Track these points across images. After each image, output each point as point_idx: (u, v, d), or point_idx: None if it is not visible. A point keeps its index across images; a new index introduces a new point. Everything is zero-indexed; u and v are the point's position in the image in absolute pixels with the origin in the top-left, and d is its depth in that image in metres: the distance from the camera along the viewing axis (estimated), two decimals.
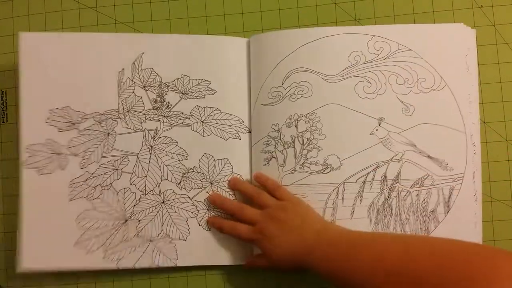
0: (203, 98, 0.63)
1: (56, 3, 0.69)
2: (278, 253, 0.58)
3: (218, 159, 0.63)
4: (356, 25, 0.66)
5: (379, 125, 0.64)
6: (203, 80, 0.63)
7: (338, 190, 0.64)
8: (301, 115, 0.63)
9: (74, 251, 0.64)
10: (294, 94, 0.63)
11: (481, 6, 0.65)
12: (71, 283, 0.65)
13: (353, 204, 0.64)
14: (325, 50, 0.64)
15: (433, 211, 0.64)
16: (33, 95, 0.65)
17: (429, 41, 0.65)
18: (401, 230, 0.63)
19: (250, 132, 0.64)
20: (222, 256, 0.65)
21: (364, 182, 0.64)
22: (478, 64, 0.65)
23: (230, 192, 0.65)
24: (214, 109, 0.62)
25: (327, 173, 0.64)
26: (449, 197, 0.63)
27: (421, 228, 0.63)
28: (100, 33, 0.68)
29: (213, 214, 0.64)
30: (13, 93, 0.67)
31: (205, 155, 0.64)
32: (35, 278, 0.66)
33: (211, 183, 0.62)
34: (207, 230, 0.64)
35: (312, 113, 0.64)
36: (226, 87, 0.65)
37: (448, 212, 0.63)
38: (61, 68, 0.65)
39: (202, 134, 0.62)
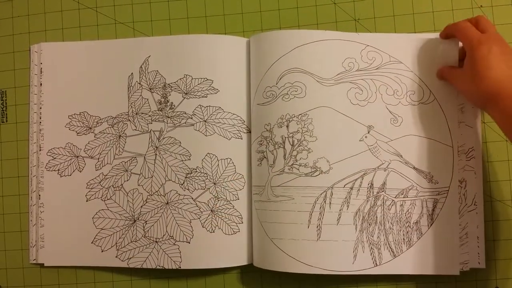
0: (206, 97, 0.67)
1: (56, 3, 0.73)
2: (485, 75, 0.58)
3: (221, 159, 0.64)
4: (355, 25, 0.71)
5: (368, 132, 0.68)
6: (205, 79, 0.65)
7: (326, 195, 0.67)
8: (293, 116, 0.68)
9: (91, 248, 0.71)
10: (287, 94, 0.68)
11: (481, 6, 0.68)
12: (71, 282, 0.67)
13: (340, 210, 0.67)
14: (320, 53, 0.69)
15: (416, 222, 0.67)
16: (55, 102, 0.74)
17: (420, 54, 0.69)
18: (385, 239, 0.67)
19: (250, 131, 0.64)
20: (225, 259, 0.69)
21: (351, 188, 0.68)
22: None
23: (234, 192, 0.70)
24: (217, 108, 0.65)
25: (316, 176, 0.67)
26: (433, 210, 0.68)
27: (404, 239, 0.67)
28: (112, 40, 0.75)
29: (217, 216, 0.69)
30: (13, 93, 0.72)
31: (208, 155, 0.70)
32: (35, 278, 0.66)
33: (214, 184, 0.65)
34: (211, 232, 0.69)
35: (304, 114, 0.68)
36: (228, 86, 0.71)
37: (431, 224, 0.68)
38: (79, 75, 0.74)
39: (205, 133, 0.65)
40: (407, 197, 0.67)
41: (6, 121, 0.74)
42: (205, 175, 0.69)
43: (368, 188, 0.67)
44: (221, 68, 0.70)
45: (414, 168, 0.67)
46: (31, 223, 0.72)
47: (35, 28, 0.75)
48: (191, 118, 0.70)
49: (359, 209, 0.67)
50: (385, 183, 0.67)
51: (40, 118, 0.73)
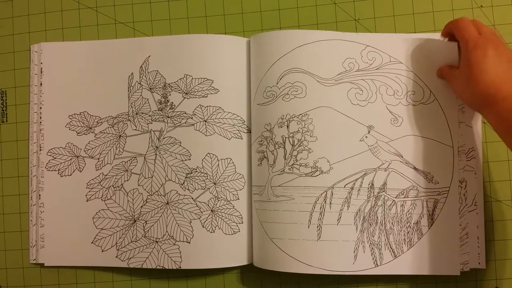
0: (206, 97, 0.68)
1: (56, 3, 0.73)
2: (480, 78, 0.58)
3: (221, 159, 0.65)
4: (355, 25, 0.71)
5: (369, 132, 0.68)
6: (205, 79, 0.65)
7: (326, 195, 0.67)
8: (293, 116, 0.68)
9: (91, 249, 0.71)
10: (287, 94, 0.68)
11: (481, 6, 0.68)
12: (71, 282, 0.67)
13: (340, 210, 0.67)
14: (321, 53, 0.69)
15: (416, 222, 0.67)
16: (55, 102, 0.74)
17: (420, 54, 0.69)
18: (385, 240, 0.67)
19: (250, 131, 0.64)
20: (225, 259, 0.69)
21: (352, 188, 0.68)
22: None
23: (234, 192, 0.69)
24: (217, 108, 0.66)
25: (316, 176, 0.67)
26: (433, 210, 0.68)
27: (404, 239, 0.67)
28: (112, 40, 0.75)
29: (217, 216, 0.69)
30: (13, 93, 0.71)
31: (208, 154, 0.70)
32: (35, 278, 0.66)
33: (214, 184, 0.66)
34: (211, 232, 0.69)
35: (304, 114, 0.67)
36: (228, 86, 0.72)
37: (431, 225, 0.67)
38: (79, 75, 0.74)
39: (205, 133, 0.66)
40: (408, 197, 0.67)
41: (6, 121, 0.75)
42: (205, 175, 0.69)
43: (368, 188, 0.67)
44: (221, 68, 0.70)
45: (414, 168, 0.67)
46: (31, 223, 0.72)
47: (35, 28, 0.76)
48: (191, 118, 0.70)
49: (359, 209, 0.67)
50: (385, 183, 0.67)
51: (40, 118, 0.73)
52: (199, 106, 0.70)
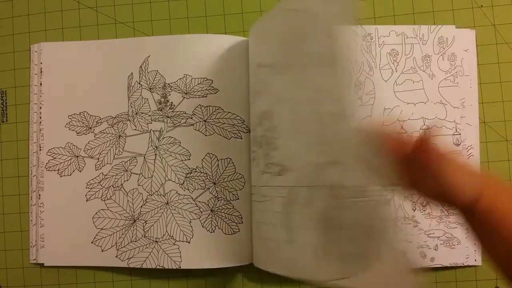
0: (205, 97, 0.68)
1: (56, 3, 0.73)
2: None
3: (221, 159, 0.66)
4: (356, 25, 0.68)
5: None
6: (205, 79, 0.65)
7: (290, 194, 0.57)
8: (263, 113, 0.61)
9: (90, 248, 0.71)
10: (259, 91, 0.63)
11: (481, 6, 0.68)
12: (71, 282, 0.67)
13: (305, 210, 0.55)
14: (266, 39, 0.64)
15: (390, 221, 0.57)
16: (55, 102, 0.74)
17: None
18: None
19: (249, 131, 0.64)
20: (225, 259, 0.69)
21: (317, 187, 0.55)
22: (478, 64, 0.67)
23: (234, 192, 0.70)
24: (216, 108, 0.65)
25: (283, 175, 0.58)
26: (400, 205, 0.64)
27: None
28: (112, 40, 0.75)
29: (217, 216, 0.69)
30: (13, 93, 0.71)
31: (208, 154, 0.70)
32: (35, 278, 0.66)
33: (214, 183, 0.65)
34: (211, 232, 0.69)
35: (269, 111, 0.60)
36: (228, 86, 0.71)
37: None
38: (79, 75, 0.74)
39: (205, 133, 0.65)
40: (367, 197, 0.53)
41: (6, 121, 0.75)
42: (205, 175, 0.69)
43: (333, 187, 0.53)
44: (221, 68, 0.70)
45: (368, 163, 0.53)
46: (31, 223, 0.72)
47: (35, 28, 0.76)
48: (191, 118, 0.70)
49: (322, 210, 0.53)
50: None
51: (40, 118, 0.73)
52: (199, 106, 0.70)
